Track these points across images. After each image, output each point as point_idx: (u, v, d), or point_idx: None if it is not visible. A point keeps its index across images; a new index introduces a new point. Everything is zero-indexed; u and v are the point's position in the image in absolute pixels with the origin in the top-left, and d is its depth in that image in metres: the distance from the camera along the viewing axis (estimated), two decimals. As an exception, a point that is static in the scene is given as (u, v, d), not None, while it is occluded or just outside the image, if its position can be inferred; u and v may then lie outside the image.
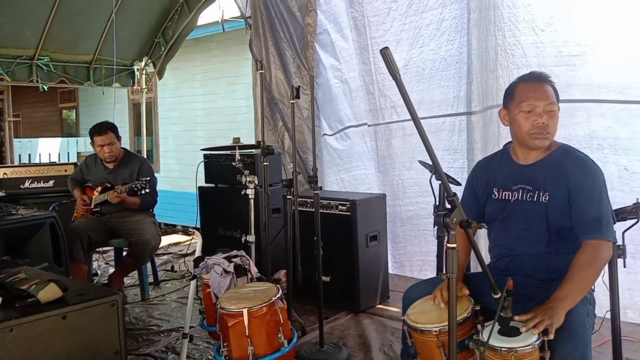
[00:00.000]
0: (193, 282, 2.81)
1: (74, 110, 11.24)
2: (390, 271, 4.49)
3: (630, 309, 3.46)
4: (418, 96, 4.30)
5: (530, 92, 2.12)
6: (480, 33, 3.85)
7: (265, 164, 3.39)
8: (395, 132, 4.61)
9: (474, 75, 3.95)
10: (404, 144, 4.57)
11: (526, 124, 2.11)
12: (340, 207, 3.96)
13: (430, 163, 1.64)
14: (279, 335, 2.22)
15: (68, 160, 8.69)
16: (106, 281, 4.45)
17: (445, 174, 1.81)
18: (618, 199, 3.26)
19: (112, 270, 4.93)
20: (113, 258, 5.01)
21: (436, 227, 3.17)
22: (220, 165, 4.85)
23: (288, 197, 3.32)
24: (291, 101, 3.33)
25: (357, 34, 4.70)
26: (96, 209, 4.29)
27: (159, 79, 6.75)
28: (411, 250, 4.68)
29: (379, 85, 4.62)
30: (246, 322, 2.17)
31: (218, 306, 2.32)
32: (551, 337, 1.75)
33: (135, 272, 4.51)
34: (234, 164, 3.44)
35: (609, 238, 2.03)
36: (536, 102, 2.09)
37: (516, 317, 1.80)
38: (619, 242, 2.32)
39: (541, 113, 2.08)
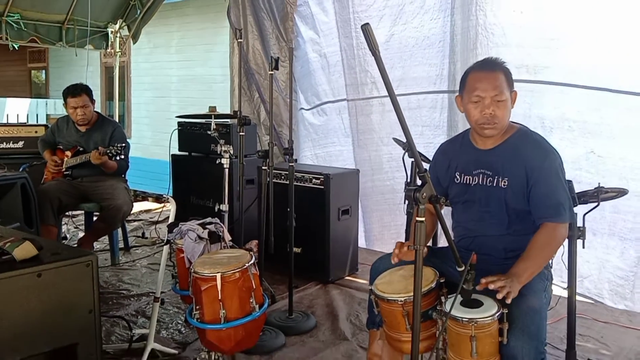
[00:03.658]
0: (166, 247, 2.83)
1: (44, 71, 10.92)
2: (361, 245, 4.58)
3: (587, 280, 3.69)
4: (400, 72, 4.33)
5: (478, 82, 2.13)
6: (464, 12, 3.89)
7: (241, 134, 3.38)
8: (375, 108, 4.64)
9: (459, 54, 3.99)
10: (382, 120, 4.60)
11: (475, 113, 2.14)
12: (314, 180, 4.01)
13: (404, 140, 1.70)
14: (251, 300, 2.27)
15: (37, 122, 8.49)
16: (76, 245, 4.42)
17: (419, 152, 1.88)
18: (585, 179, 3.41)
19: (81, 234, 4.90)
20: (83, 222, 4.98)
21: (406, 203, 3.26)
22: (194, 134, 4.82)
23: (263, 167, 3.34)
24: (270, 72, 3.32)
25: (340, 7, 4.68)
26: (67, 172, 4.24)
27: (133, 43, 6.60)
28: (386, 224, 4.76)
29: (360, 60, 4.62)
30: (219, 287, 2.21)
31: (192, 270, 2.36)
32: (508, 301, 1.85)
33: (106, 237, 4.50)
34: (209, 132, 3.43)
35: (566, 220, 2.13)
36: (483, 92, 2.10)
37: (482, 280, 1.88)
38: (580, 224, 2.44)
39: (489, 104, 2.10)
